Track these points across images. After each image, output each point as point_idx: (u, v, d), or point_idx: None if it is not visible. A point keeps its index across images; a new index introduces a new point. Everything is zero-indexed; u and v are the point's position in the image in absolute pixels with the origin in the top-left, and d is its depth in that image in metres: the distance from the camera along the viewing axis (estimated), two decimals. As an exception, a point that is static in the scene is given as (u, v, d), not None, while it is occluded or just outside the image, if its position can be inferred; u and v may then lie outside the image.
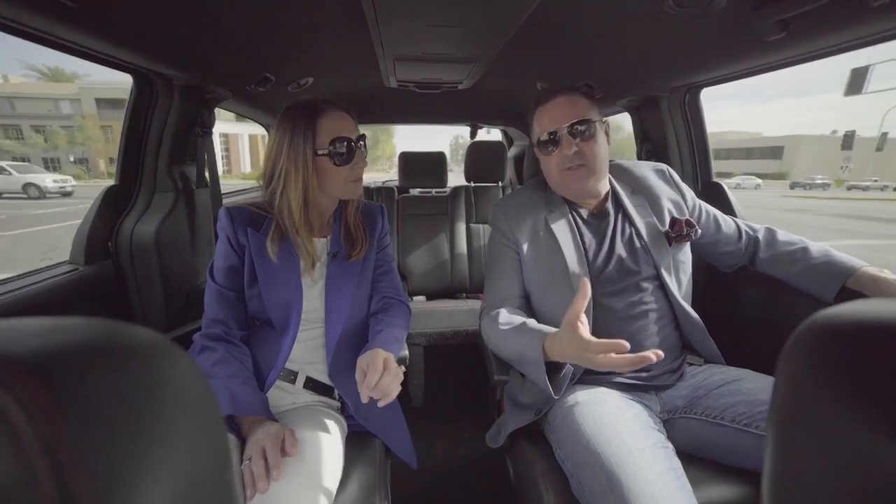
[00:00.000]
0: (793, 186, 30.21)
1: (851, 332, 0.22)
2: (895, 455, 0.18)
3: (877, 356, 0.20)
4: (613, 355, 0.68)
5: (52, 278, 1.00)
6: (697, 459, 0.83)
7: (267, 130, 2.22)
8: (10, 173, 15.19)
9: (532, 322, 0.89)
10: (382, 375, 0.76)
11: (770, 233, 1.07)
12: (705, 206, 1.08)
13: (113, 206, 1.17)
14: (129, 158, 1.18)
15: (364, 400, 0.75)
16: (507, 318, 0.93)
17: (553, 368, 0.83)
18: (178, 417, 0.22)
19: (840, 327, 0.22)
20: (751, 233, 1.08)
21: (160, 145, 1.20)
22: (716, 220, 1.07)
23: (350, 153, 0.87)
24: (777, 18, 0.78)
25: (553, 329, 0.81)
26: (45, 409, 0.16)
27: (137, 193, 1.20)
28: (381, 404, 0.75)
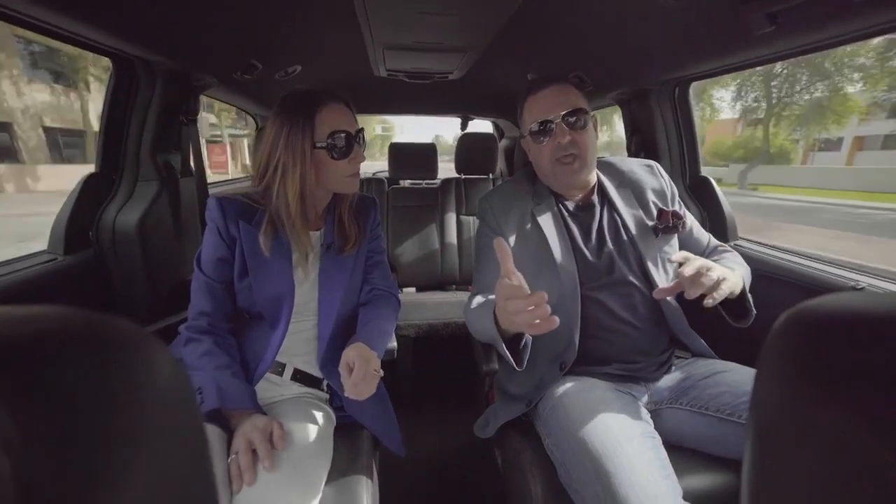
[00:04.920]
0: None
1: (834, 324, 0.22)
2: (876, 445, 0.18)
3: (859, 347, 0.20)
4: (522, 310, 0.66)
5: (28, 268, 0.97)
6: (683, 449, 0.84)
7: (255, 119, 2.18)
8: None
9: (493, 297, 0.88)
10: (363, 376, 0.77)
11: (719, 252, 1.03)
12: (687, 212, 1.05)
13: (93, 194, 1.13)
14: (110, 145, 1.14)
15: (345, 395, 0.76)
16: (480, 299, 0.94)
17: (515, 342, 0.81)
18: (154, 411, 0.21)
19: (822, 318, 0.22)
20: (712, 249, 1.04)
21: (142, 132, 1.17)
22: (690, 229, 1.04)
23: (349, 147, 0.85)
24: (766, 12, 0.79)
25: None
26: (13, 401, 0.16)
27: (119, 181, 1.17)
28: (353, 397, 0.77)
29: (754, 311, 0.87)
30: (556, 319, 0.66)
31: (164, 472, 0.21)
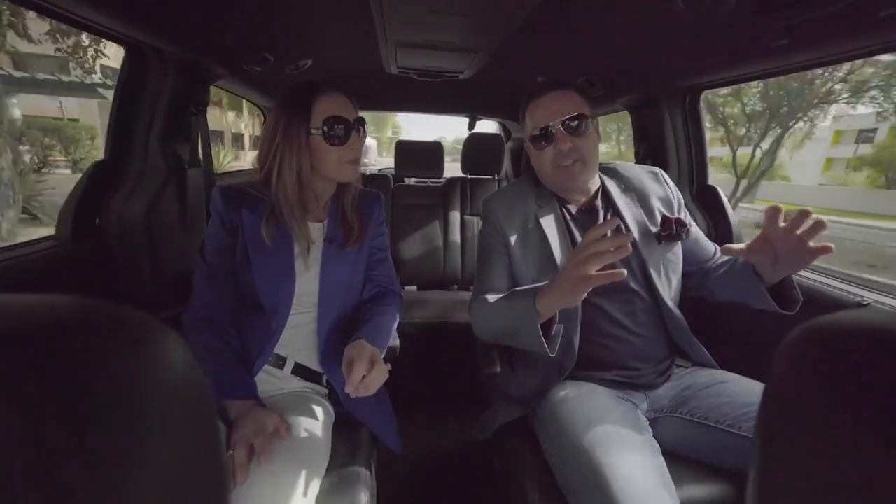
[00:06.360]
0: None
1: (849, 340, 0.22)
2: (891, 461, 0.18)
3: (876, 364, 0.20)
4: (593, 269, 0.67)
5: (34, 253, 0.97)
6: (682, 458, 0.84)
7: (263, 112, 2.18)
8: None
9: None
10: (370, 371, 0.76)
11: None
12: (690, 220, 1.03)
13: (101, 181, 1.13)
14: (120, 133, 1.15)
15: (350, 393, 0.74)
16: (492, 297, 0.93)
17: (545, 332, 0.80)
18: (168, 400, 0.21)
19: (837, 334, 0.22)
20: (720, 261, 1.02)
21: (152, 122, 1.17)
22: (695, 238, 1.03)
23: (346, 133, 0.86)
24: (783, 24, 0.78)
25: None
26: (29, 390, 0.16)
27: (127, 170, 1.17)
28: (354, 394, 0.75)
29: (801, 298, 0.82)
30: (624, 272, 0.66)
31: (179, 460, 0.21)
